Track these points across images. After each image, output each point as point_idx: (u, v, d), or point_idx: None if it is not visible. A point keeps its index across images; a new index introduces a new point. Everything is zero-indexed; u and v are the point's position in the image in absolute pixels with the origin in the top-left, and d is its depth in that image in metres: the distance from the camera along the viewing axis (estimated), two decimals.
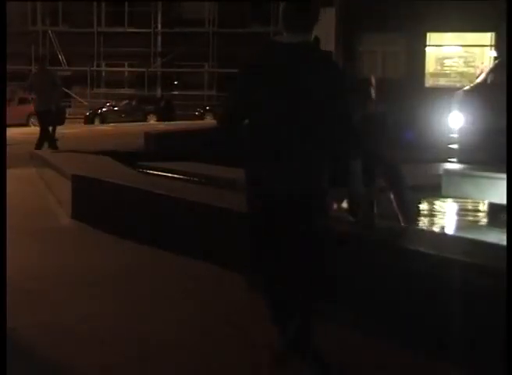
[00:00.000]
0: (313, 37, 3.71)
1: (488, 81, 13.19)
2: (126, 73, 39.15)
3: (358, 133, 3.80)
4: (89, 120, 32.23)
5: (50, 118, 13.19)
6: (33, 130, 24.33)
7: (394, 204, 5.09)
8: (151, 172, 8.60)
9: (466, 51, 29.99)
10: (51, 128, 13.32)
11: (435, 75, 30.20)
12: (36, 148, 12.95)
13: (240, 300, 4.70)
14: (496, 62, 15.96)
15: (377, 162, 4.92)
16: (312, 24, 3.64)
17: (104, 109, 33.36)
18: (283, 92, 3.55)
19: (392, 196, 5.10)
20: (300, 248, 3.68)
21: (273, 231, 3.68)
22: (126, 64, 38.50)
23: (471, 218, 7.66)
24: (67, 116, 31.90)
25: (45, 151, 12.24)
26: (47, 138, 13.22)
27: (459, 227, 7.20)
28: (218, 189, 6.83)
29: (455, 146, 12.23)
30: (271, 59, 3.64)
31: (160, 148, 11.33)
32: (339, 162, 3.71)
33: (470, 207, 7.90)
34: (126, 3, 37.77)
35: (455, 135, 12.65)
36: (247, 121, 3.75)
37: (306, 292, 3.76)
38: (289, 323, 3.75)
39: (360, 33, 29.60)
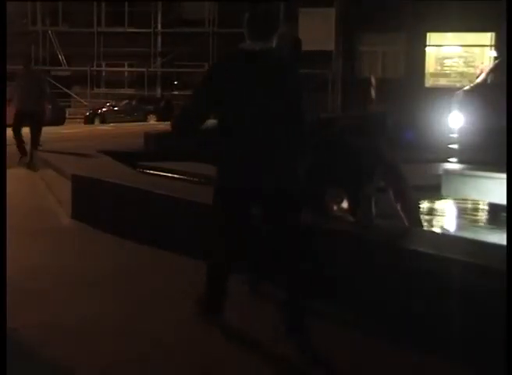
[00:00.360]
0: (291, 39, 3.94)
1: (488, 81, 13.19)
2: (126, 73, 39.09)
3: (307, 135, 4.11)
4: (89, 120, 32.18)
5: (35, 120, 12.48)
6: None
7: (398, 206, 5.04)
8: (151, 172, 8.60)
9: (466, 51, 30.01)
10: (34, 131, 12.59)
11: (435, 75, 30.22)
12: (33, 149, 12.68)
13: (239, 300, 4.70)
14: (496, 62, 15.95)
15: (377, 162, 4.90)
16: (273, 33, 4.02)
17: (104, 109, 33.30)
18: (246, 95, 3.92)
19: (393, 197, 5.05)
20: (273, 235, 4.10)
21: (241, 217, 4.09)
22: (126, 64, 38.46)
23: (470, 218, 7.66)
24: (67, 116, 32.06)
25: (45, 152, 12.21)
26: (19, 141, 12.50)
27: (459, 227, 7.20)
28: None
29: (455, 146, 12.23)
30: (234, 65, 4.02)
31: (160, 148, 11.31)
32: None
33: (470, 207, 7.90)
34: (126, 3, 37.70)
35: (455, 135, 12.65)
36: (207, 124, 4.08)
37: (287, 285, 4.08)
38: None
39: (360, 33, 29.63)
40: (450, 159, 10.38)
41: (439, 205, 7.83)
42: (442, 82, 29.57)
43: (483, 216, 7.76)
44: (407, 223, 5.05)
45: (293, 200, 4.03)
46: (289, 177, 4.01)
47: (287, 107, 3.95)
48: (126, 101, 34.23)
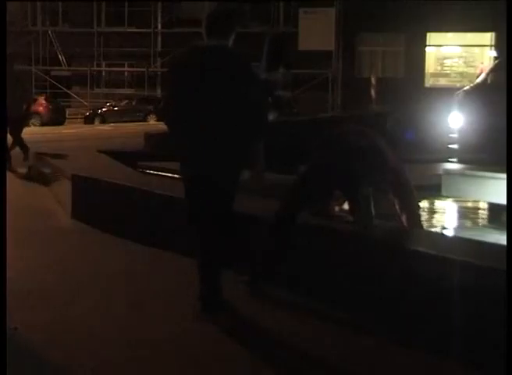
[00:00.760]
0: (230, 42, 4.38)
1: (488, 81, 13.19)
2: (126, 73, 39.09)
3: (265, 121, 4.43)
4: (89, 120, 32.18)
5: (17, 123, 11.93)
6: (34, 130, 24.32)
7: (402, 217, 4.93)
8: (151, 172, 8.60)
9: (466, 51, 30.03)
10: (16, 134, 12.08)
11: (435, 75, 30.22)
12: (26, 150, 12.30)
13: (239, 300, 4.71)
14: (496, 62, 15.95)
15: (384, 169, 4.80)
16: (227, 32, 4.36)
17: (104, 109, 33.29)
18: (200, 87, 4.24)
19: (398, 208, 4.93)
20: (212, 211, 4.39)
21: (198, 196, 4.40)
22: (126, 64, 38.45)
23: (470, 218, 7.65)
24: (67, 116, 32.03)
25: (45, 152, 12.20)
26: (19, 146, 12.02)
27: (459, 227, 7.20)
28: None
29: (455, 146, 12.23)
30: (189, 60, 4.38)
31: (160, 148, 11.31)
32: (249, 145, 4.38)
33: (470, 207, 7.90)
34: (126, 3, 37.70)
35: (455, 135, 12.65)
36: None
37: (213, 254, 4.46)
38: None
39: (361, 33, 29.63)
40: (450, 159, 10.38)
41: (439, 205, 7.83)
42: (442, 82, 29.57)
43: (483, 216, 7.76)
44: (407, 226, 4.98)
45: (226, 187, 4.37)
46: (230, 165, 4.33)
47: (236, 99, 4.23)
48: (126, 101, 34.20)
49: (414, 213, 5.03)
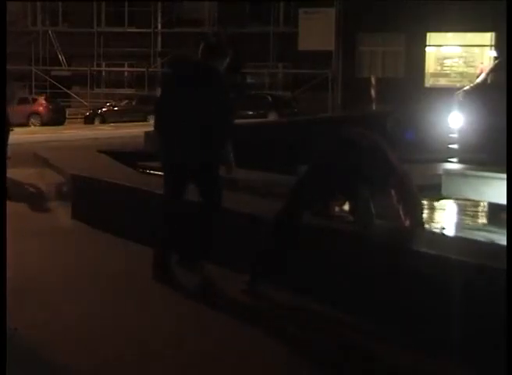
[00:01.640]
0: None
1: (488, 81, 13.20)
2: (126, 73, 39.07)
3: (231, 124, 5.32)
4: (89, 120, 32.17)
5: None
6: (34, 130, 24.34)
7: (406, 222, 4.88)
8: (151, 172, 8.59)
9: (466, 51, 30.04)
10: None
11: (435, 75, 30.23)
12: None
13: (239, 300, 4.71)
14: (496, 62, 15.96)
15: (390, 173, 4.77)
16: (218, 58, 5.31)
17: (104, 109, 33.27)
18: (184, 95, 5.17)
19: (402, 213, 4.88)
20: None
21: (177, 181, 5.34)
22: (126, 64, 38.43)
23: (470, 218, 7.66)
24: (67, 116, 32.03)
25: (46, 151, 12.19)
26: None
27: (459, 227, 7.20)
28: None
29: (455, 146, 12.24)
30: (179, 72, 5.46)
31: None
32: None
33: (469, 207, 7.91)
34: (126, 3, 37.68)
35: (455, 135, 12.66)
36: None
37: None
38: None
39: (360, 33, 29.64)
40: (450, 159, 10.39)
41: (439, 205, 7.83)
42: (442, 82, 29.58)
43: (483, 216, 7.76)
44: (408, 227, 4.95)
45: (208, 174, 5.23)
46: (207, 158, 5.15)
47: (213, 102, 5.11)
48: (126, 101, 34.18)
49: (417, 215, 5.00)
